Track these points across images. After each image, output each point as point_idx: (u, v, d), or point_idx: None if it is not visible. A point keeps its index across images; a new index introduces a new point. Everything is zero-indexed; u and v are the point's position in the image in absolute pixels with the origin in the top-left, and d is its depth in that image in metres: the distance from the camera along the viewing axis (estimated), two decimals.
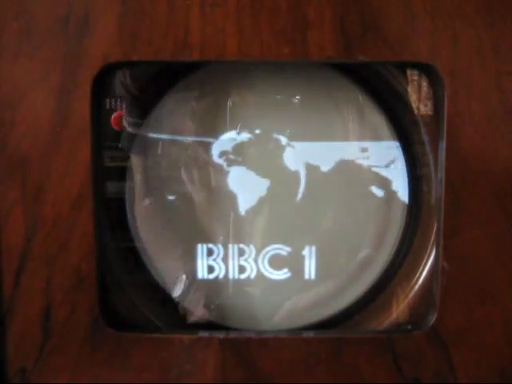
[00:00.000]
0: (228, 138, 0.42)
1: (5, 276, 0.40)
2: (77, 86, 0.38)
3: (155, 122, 0.43)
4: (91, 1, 0.38)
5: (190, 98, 0.43)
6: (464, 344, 0.40)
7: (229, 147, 0.42)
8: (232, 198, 0.43)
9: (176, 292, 0.44)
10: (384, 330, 0.43)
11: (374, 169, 0.43)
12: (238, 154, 0.42)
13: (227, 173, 0.42)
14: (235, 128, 0.42)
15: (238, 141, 0.42)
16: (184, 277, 0.44)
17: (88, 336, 0.40)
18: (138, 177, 0.43)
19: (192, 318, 0.44)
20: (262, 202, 0.43)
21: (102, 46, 0.38)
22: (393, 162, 0.43)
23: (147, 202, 0.44)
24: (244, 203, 0.43)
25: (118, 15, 0.38)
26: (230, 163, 0.42)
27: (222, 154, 0.42)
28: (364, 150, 0.43)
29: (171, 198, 0.43)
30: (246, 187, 0.43)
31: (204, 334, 0.41)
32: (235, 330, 0.44)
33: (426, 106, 0.41)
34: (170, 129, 0.43)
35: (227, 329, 0.44)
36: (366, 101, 0.43)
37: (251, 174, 0.42)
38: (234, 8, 0.38)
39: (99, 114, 0.40)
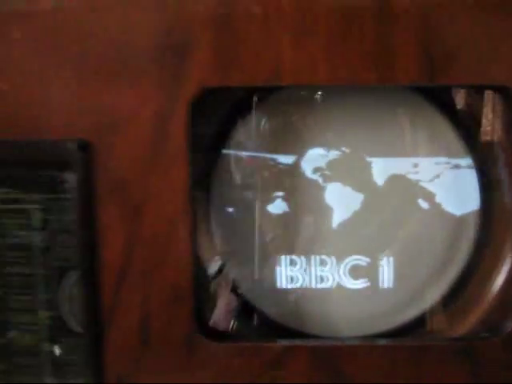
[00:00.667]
0: (318, 155, 0.44)
1: (105, 290, 0.43)
2: (174, 110, 0.40)
3: (239, 139, 0.45)
4: (188, 31, 0.39)
5: (275, 116, 0.45)
6: None
7: (322, 164, 0.44)
8: (327, 211, 0.45)
9: (210, 271, 0.46)
10: (461, 337, 0.45)
11: (447, 181, 0.45)
12: (332, 170, 0.44)
13: (323, 188, 0.45)
14: (322, 145, 0.44)
15: (330, 157, 0.44)
16: (218, 258, 0.46)
17: (184, 346, 0.43)
18: (222, 191, 0.46)
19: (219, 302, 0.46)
20: (356, 215, 0.45)
21: (197, 73, 0.40)
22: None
23: (232, 213, 0.46)
24: (338, 217, 0.45)
25: (213, 43, 0.40)
26: (326, 179, 0.44)
27: (316, 170, 0.44)
28: (437, 164, 0.46)
29: (259, 212, 0.45)
30: (341, 202, 0.45)
31: (294, 342, 0.44)
32: (315, 336, 0.47)
33: (500, 128, 0.43)
34: (255, 146, 0.45)
35: (306, 335, 0.47)
36: (441, 119, 0.45)
37: (347, 189, 0.44)
38: (325, 36, 0.39)
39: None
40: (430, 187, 0.46)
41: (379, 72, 0.40)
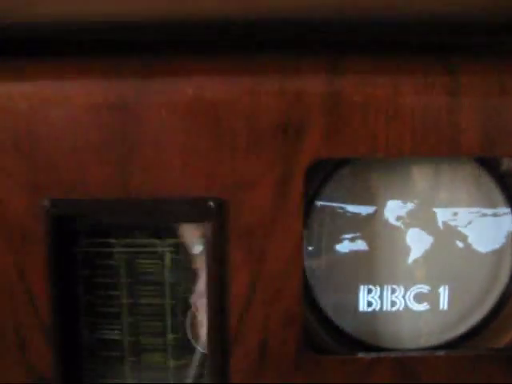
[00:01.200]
0: (397, 205, 0.56)
1: (231, 316, 0.54)
2: (292, 176, 0.52)
3: (332, 192, 0.57)
4: (304, 114, 0.51)
5: (361, 173, 0.56)
6: None
7: (403, 213, 0.56)
8: (406, 250, 0.57)
9: None
10: (506, 347, 0.58)
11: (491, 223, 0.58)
12: (410, 218, 0.56)
13: (405, 232, 0.57)
14: (399, 198, 0.57)
15: (408, 208, 0.56)
16: None
17: (294, 359, 0.54)
18: (320, 233, 0.57)
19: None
20: (425, 253, 0.57)
21: (311, 147, 0.52)
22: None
23: (323, 256, 0.58)
24: (413, 255, 0.57)
25: (323, 124, 0.51)
26: (407, 225, 0.57)
27: (399, 218, 0.56)
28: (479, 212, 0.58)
29: (345, 251, 0.57)
30: (416, 243, 0.57)
31: (379, 354, 0.56)
32: (387, 349, 0.59)
33: None
34: (343, 197, 0.57)
35: (382, 349, 0.59)
36: (488, 176, 0.58)
37: (422, 233, 0.57)
38: (409, 118, 0.52)
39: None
40: (474, 230, 0.58)
41: (446, 146, 0.52)
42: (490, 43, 0.59)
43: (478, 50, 0.57)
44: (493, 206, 0.58)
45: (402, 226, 0.57)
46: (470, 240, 0.58)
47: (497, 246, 0.58)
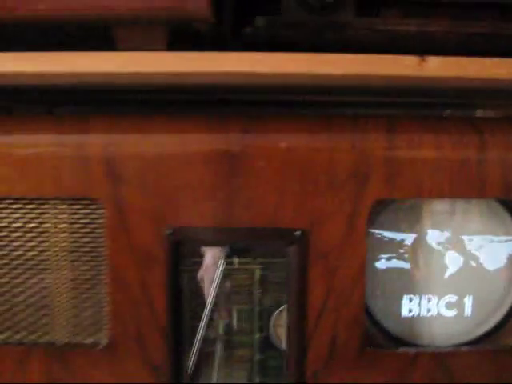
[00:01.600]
0: (437, 234, 0.72)
1: (309, 320, 0.69)
2: (360, 212, 0.68)
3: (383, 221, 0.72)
4: (368, 165, 0.67)
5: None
6: None
7: (442, 239, 0.72)
8: (444, 268, 0.73)
9: None
10: None
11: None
12: (447, 243, 0.73)
13: (444, 253, 0.73)
14: (437, 227, 0.73)
15: (444, 236, 0.72)
16: None
17: (358, 353, 0.70)
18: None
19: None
20: (458, 270, 0.73)
21: (374, 191, 0.67)
22: None
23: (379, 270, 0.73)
24: (449, 271, 0.73)
25: (384, 173, 0.67)
26: (446, 249, 0.73)
27: (439, 243, 0.72)
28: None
29: (394, 268, 0.73)
30: (452, 263, 0.73)
31: (418, 349, 0.72)
32: (423, 346, 0.75)
33: None
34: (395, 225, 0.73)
35: (419, 345, 0.75)
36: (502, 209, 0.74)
37: (456, 255, 0.73)
38: (448, 170, 0.68)
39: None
40: (487, 254, 0.74)
41: (477, 188, 0.68)
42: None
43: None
44: (507, 234, 0.74)
45: (442, 249, 0.73)
46: (483, 257, 0.74)
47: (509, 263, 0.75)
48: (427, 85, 0.68)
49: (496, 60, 0.63)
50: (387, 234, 0.73)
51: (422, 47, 0.64)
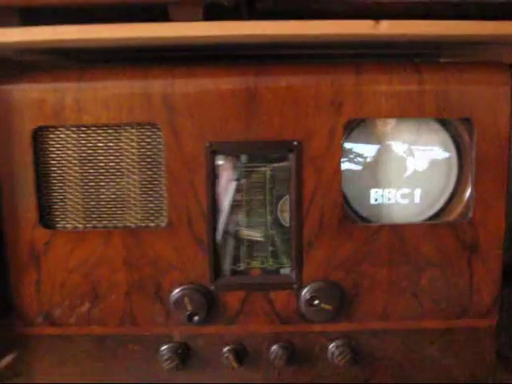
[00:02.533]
0: (394, 146, 1.04)
1: (304, 205, 1.02)
2: (336, 130, 1.00)
3: (354, 138, 1.04)
4: (343, 94, 0.98)
5: None
6: None
7: (399, 148, 1.04)
8: (400, 169, 1.05)
9: None
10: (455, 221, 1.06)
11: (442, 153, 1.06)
12: (404, 151, 1.05)
13: (401, 159, 1.05)
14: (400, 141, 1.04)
15: (405, 147, 1.04)
16: None
17: (338, 226, 1.03)
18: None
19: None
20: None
21: (346, 114, 0.99)
22: None
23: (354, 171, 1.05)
24: (404, 172, 1.05)
25: (354, 101, 0.99)
26: (402, 155, 1.05)
27: (397, 151, 1.04)
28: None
29: (364, 169, 1.06)
30: (405, 166, 1.05)
31: (382, 223, 1.04)
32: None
33: None
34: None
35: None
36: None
37: (409, 160, 1.05)
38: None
39: None
40: (434, 156, 1.06)
41: (419, 110, 1.00)
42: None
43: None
44: (442, 142, 1.06)
45: (399, 155, 1.04)
46: (430, 163, 1.06)
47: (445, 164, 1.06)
48: (384, 40, 0.99)
49: (428, 21, 0.93)
50: (359, 145, 1.05)
51: (378, 14, 0.95)
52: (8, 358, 1.21)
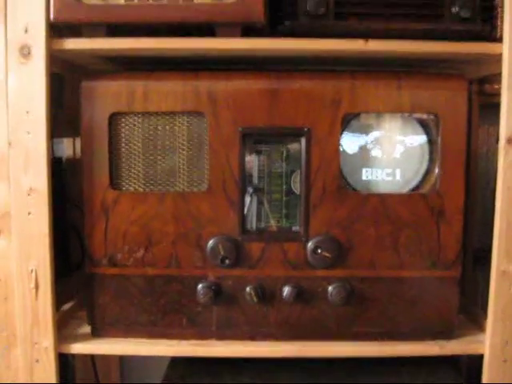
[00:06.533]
0: (379, 135, 1.38)
1: (311, 177, 1.35)
2: (336, 121, 1.34)
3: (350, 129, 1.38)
4: (341, 94, 1.33)
5: None
6: None
7: (385, 137, 1.38)
8: (384, 153, 1.39)
9: None
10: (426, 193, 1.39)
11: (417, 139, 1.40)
12: (389, 140, 1.38)
13: (386, 145, 1.39)
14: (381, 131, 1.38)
15: (386, 135, 1.38)
16: None
17: (335, 193, 1.36)
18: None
19: None
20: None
21: (344, 110, 1.33)
22: None
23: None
24: (388, 155, 1.39)
25: (350, 99, 1.33)
26: (387, 142, 1.39)
27: (383, 139, 1.38)
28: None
29: (357, 152, 1.39)
30: (389, 150, 1.39)
31: (370, 192, 1.37)
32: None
33: None
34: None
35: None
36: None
37: (392, 146, 1.39)
38: None
39: None
40: (411, 143, 1.39)
41: (398, 107, 1.34)
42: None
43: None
44: (416, 132, 1.38)
45: (385, 143, 1.38)
46: (408, 148, 1.39)
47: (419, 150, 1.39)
48: (371, 56, 1.34)
49: (403, 41, 1.28)
50: (354, 134, 1.38)
51: (368, 36, 1.30)
52: (70, 303, 1.54)
